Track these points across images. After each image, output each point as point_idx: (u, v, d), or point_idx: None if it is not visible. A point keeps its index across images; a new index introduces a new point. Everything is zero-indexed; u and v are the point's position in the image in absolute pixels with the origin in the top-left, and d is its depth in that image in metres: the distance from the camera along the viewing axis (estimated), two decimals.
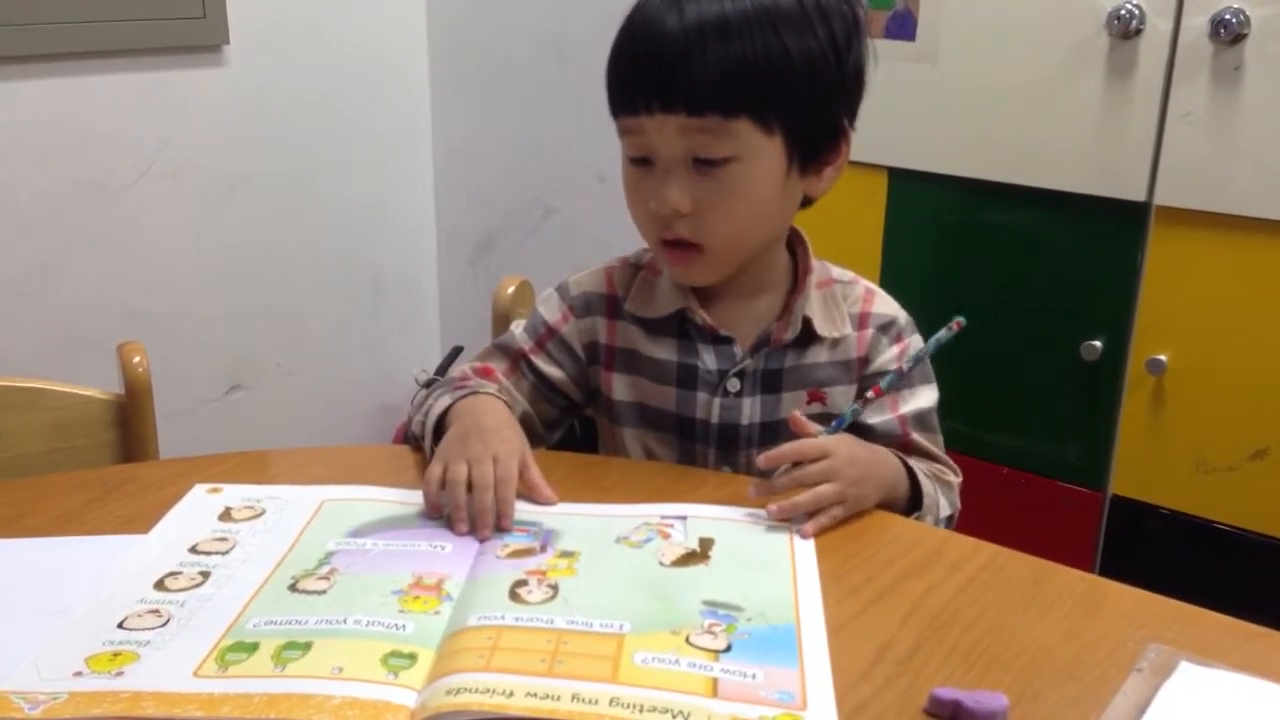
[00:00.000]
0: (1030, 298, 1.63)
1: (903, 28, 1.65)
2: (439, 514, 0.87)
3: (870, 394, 0.94)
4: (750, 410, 1.00)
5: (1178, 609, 0.76)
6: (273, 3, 1.97)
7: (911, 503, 0.96)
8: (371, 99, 2.17)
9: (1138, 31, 1.45)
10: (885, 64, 1.65)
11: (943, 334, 0.93)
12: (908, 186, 1.70)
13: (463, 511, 0.85)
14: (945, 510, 1.00)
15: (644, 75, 0.91)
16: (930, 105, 1.64)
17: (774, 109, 0.90)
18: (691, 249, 0.95)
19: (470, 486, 0.86)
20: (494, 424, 0.92)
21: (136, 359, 1.09)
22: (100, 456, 1.10)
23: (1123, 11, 1.44)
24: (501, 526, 0.85)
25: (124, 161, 1.85)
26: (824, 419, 0.97)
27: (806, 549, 0.83)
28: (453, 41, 2.23)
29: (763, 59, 0.88)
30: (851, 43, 0.94)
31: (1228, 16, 1.38)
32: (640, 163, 0.94)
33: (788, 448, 0.87)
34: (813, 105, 0.92)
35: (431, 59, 2.25)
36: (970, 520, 1.05)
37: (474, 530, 0.84)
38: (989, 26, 1.57)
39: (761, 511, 0.87)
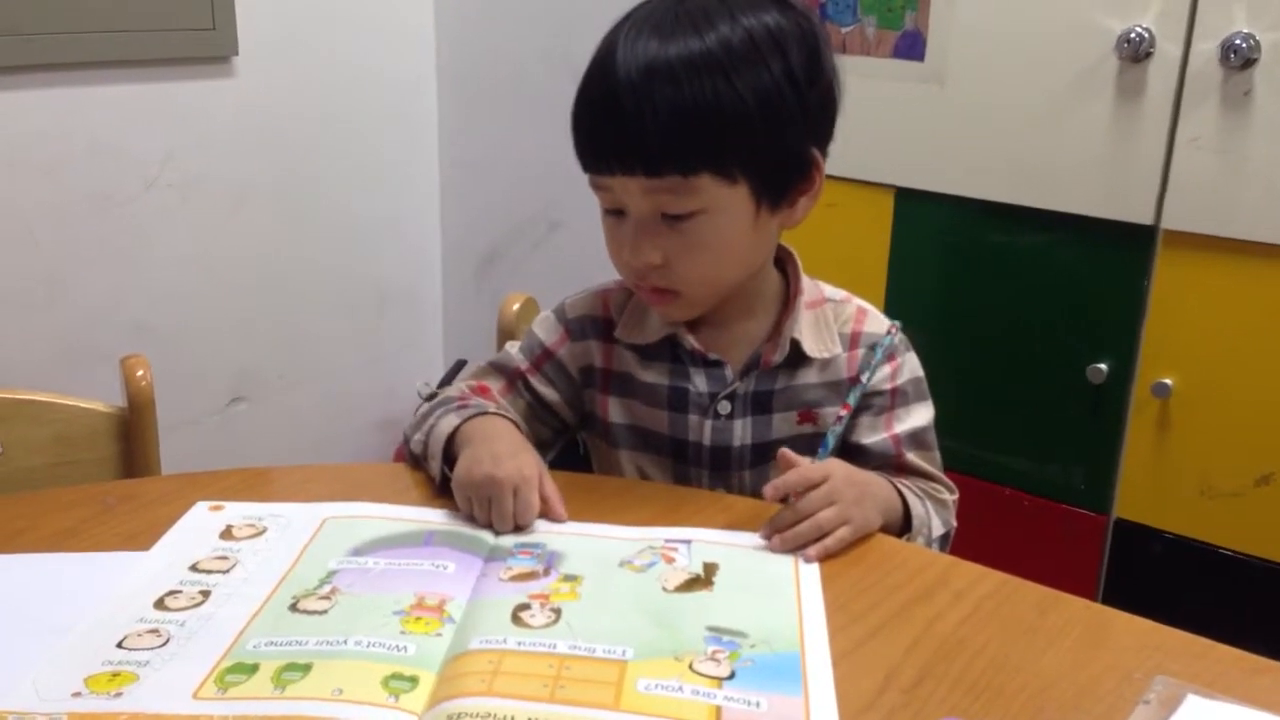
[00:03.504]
0: (1036, 319, 1.62)
1: (912, 48, 1.65)
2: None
3: (841, 411, 0.95)
4: (741, 432, 1.00)
5: (1185, 640, 0.75)
6: (282, 16, 1.97)
7: (904, 524, 0.96)
8: (379, 113, 2.17)
9: (1147, 55, 1.45)
10: (893, 84, 1.66)
11: (886, 340, 0.99)
12: (914, 206, 1.69)
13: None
14: (939, 529, 0.99)
15: (601, 138, 0.91)
16: (938, 126, 1.64)
17: (734, 159, 0.89)
18: (669, 292, 0.95)
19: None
20: (509, 449, 0.91)
21: (140, 373, 1.09)
22: (102, 470, 1.09)
23: (1132, 35, 1.44)
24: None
25: (130, 173, 1.84)
26: (816, 439, 0.97)
27: (811, 575, 0.83)
28: (461, 56, 2.23)
29: (715, 111, 0.86)
30: (814, 69, 0.91)
31: (1238, 42, 1.37)
32: (614, 213, 0.94)
33: (791, 476, 0.87)
34: (775, 145, 0.91)
35: (439, 73, 2.26)
36: (973, 542, 1.05)
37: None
38: (998, 48, 1.57)
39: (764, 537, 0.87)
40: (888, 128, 1.67)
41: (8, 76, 1.68)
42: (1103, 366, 1.56)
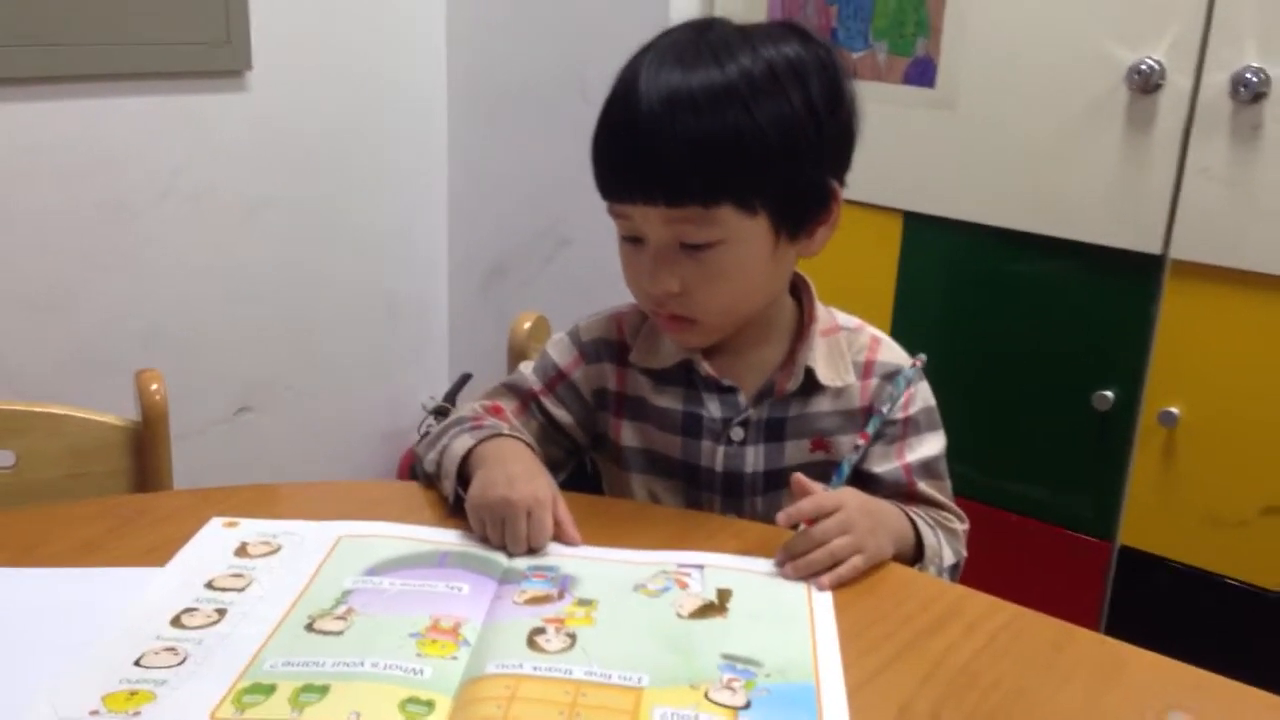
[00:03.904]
0: (1043, 346, 1.63)
1: (923, 74, 1.66)
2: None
3: (859, 440, 0.96)
4: (754, 459, 1.00)
5: (1199, 677, 0.75)
6: (296, 30, 1.98)
7: (916, 553, 0.96)
8: (390, 126, 2.18)
9: (1157, 87, 1.46)
10: (904, 109, 1.67)
11: (908, 371, 0.99)
12: (923, 231, 1.70)
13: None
14: (950, 559, 1.00)
15: (622, 168, 0.91)
16: (948, 151, 1.65)
17: (754, 190, 0.89)
18: (686, 320, 0.96)
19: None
20: (524, 471, 0.92)
21: (154, 386, 1.09)
22: (116, 483, 1.10)
23: (1143, 66, 1.45)
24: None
25: (144, 184, 1.85)
26: (828, 467, 0.97)
27: (824, 603, 0.83)
28: (472, 72, 2.24)
29: (736, 143, 0.87)
30: (833, 100, 0.92)
31: (1248, 75, 1.38)
32: (632, 239, 0.94)
33: (805, 504, 0.87)
34: (795, 177, 0.91)
35: (450, 88, 2.27)
36: (978, 567, 1.05)
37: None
38: (1010, 75, 1.58)
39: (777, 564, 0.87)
40: (898, 152, 1.68)
41: (23, 87, 1.69)
42: (1109, 394, 1.56)
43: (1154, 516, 1.57)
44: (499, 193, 2.27)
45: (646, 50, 0.92)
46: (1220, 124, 1.43)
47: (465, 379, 2.25)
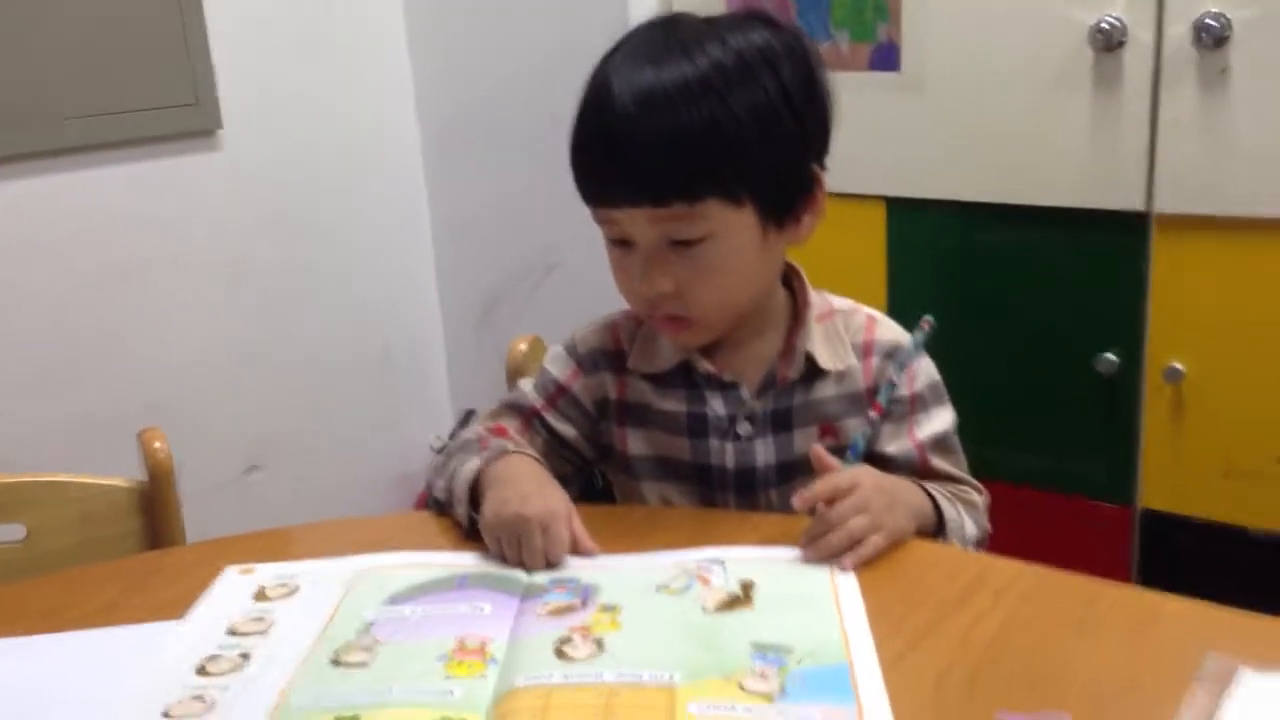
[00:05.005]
0: (1039, 316, 1.63)
1: (887, 60, 1.67)
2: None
3: (872, 413, 0.94)
4: (765, 452, 0.99)
5: (1234, 617, 0.75)
6: (262, 84, 1.99)
7: (936, 528, 0.96)
8: (365, 172, 2.19)
9: (1120, 44, 1.47)
10: (873, 95, 1.68)
11: (917, 336, 0.97)
12: (907, 215, 1.70)
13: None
14: (972, 532, 0.99)
15: (604, 172, 0.91)
16: (921, 133, 1.65)
17: (738, 181, 0.89)
18: (683, 320, 0.95)
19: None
20: (535, 487, 0.91)
21: (157, 444, 1.09)
22: (128, 544, 1.09)
23: (1104, 25, 1.46)
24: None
25: (129, 252, 1.85)
26: (839, 452, 0.96)
27: (849, 584, 0.82)
28: (441, 108, 2.25)
29: (715, 135, 0.87)
30: (808, 84, 0.92)
31: (1209, 22, 1.39)
32: (620, 243, 0.94)
33: (820, 486, 0.87)
34: (776, 164, 0.91)
35: (422, 129, 2.27)
36: (1001, 545, 1.04)
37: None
38: (972, 51, 1.58)
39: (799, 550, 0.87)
40: (872, 140, 1.68)
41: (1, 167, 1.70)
42: (1111, 357, 1.56)
43: (1171, 475, 1.56)
44: (483, 225, 2.27)
45: (614, 52, 0.92)
46: (1187, 73, 1.43)
47: (468, 416, 2.25)
